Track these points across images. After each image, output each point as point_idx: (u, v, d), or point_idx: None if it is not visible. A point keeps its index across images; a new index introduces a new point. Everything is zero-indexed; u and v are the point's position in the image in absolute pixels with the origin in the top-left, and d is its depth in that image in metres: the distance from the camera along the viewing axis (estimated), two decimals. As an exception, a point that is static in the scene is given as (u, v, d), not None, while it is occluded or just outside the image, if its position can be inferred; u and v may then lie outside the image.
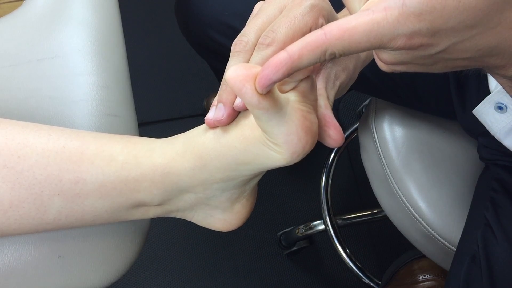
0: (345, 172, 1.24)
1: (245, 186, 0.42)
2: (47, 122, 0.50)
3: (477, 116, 0.59)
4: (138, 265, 1.11)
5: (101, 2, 0.58)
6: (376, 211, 1.06)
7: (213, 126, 0.38)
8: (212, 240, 1.15)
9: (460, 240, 0.63)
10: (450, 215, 0.69)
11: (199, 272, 1.13)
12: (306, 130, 0.35)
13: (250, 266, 1.14)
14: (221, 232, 0.46)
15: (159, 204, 0.42)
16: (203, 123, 0.40)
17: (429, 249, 0.71)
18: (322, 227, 1.07)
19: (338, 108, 1.30)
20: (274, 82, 0.30)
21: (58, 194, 0.40)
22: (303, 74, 0.34)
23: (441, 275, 0.90)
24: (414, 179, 0.70)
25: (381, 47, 0.30)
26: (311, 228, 1.09)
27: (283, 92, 0.35)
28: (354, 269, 1.05)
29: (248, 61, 0.37)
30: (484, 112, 0.57)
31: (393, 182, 0.71)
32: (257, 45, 0.37)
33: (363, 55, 0.44)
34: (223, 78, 0.38)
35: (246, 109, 0.37)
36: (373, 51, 0.34)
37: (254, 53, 0.37)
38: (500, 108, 0.55)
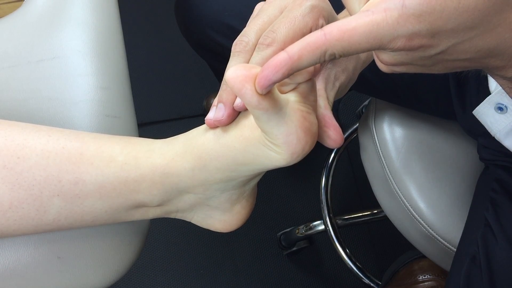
0: (345, 173, 1.24)
1: (244, 187, 0.42)
2: (46, 123, 0.50)
3: (477, 117, 0.59)
4: (137, 265, 1.11)
5: (101, 3, 0.58)
6: (376, 211, 1.06)
7: (213, 126, 0.38)
8: (212, 241, 1.15)
9: (460, 241, 0.63)
10: (450, 215, 0.69)
11: (199, 272, 1.13)
12: (305, 130, 0.35)
13: (250, 266, 1.14)
14: (220, 232, 0.46)
15: (159, 205, 0.42)
16: (203, 123, 0.40)
17: (429, 250, 0.71)
18: (322, 227, 1.07)
19: (338, 108, 1.30)
20: (274, 83, 0.30)
21: (58, 195, 0.40)
22: (303, 78, 0.34)
23: (441, 275, 0.90)
24: (414, 179, 0.70)
25: (380, 48, 0.30)
26: (311, 228, 1.09)
27: (282, 92, 0.35)
28: (354, 269, 1.05)
29: (248, 61, 0.37)
30: (484, 112, 0.57)
31: (393, 182, 0.71)
32: (257, 45, 0.37)
33: (363, 56, 0.44)
34: (223, 78, 0.38)
35: (246, 109, 0.37)
36: (373, 52, 0.34)
37: (254, 53, 0.37)
38: (500, 108, 0.55)
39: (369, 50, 0.30)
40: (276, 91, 0.34)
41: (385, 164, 0.72)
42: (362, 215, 1.07)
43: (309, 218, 1.14)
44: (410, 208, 0.70)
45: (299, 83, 0.35)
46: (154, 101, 1.26)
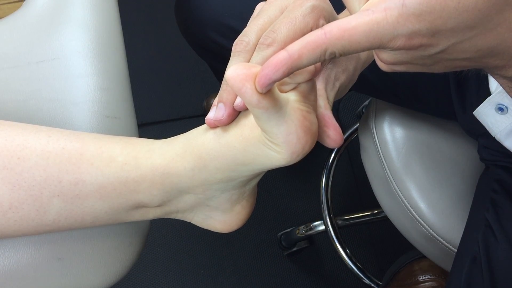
0: (345, 173, 1.24)
1: (245, 187, 0.42)
2: (46, 124, 0.50)
3: (477, 118, 0.59)
4: (138, 266, 1.11)
5: (101, 4, 0.58)
6: (376, 211, 1.06)
7: (214, 126, 0.38)
8: (212, 241, 1.15)
9: (460, 241, 0.63)
10: (450, 216, 0.69)
11: (199, 273, 1.13)
12: (305, 130, 0.35)
13: (250, 266, 1.14)
14: (221, 233, 0.46)
15: (159, 205, 0.42)
16: (203, 123, 0.40)
17: (429, 250, 0.71)
18: (322, 227, 1.07)
19: (338, 108, 1.30)
20: (274, 82, 0.30)
21: (58, 196, 0.40)
22: (303, 77, 0.34)
23: (441, 275, 0.90)
24: (414, 180, 0.70)
25: (380, 47, 0.30)
26: (311, 228, 1.08)
27: (283, 92, 0.35)
28: (354, 270, 1.05)
29: (248, 61, 0.37)
30: (485, 113, 0.57)
31: (393, 183, 0.71)
32: (257, 45, 0.37)
33: (363, 56, 0.44)
34: (223, 78, 0.38)
35: (246, 109, 0.37)
36: (373, 51, 0.34)
37: (254, 53, 0.37)
38: (501, 109, 0.55)
39: (369, 49, 0.30)
40: (276, 90, 0.34)
41: (385, 164, 0.72)
42: (363, 215, 1.07)
43: (309, 218, 1.14)
44: (411, 209, 0.70)
45: (300, 83, 0.35)
46: (154, 102, 1.26)
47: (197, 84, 1.28)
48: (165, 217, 0.45)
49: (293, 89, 0.35)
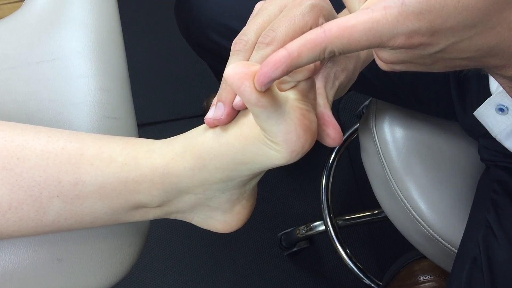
0: (346, 173, 1.24)
1: (245, 187, 0.42)
2: (46, 124, 0.50)
3: (478, 118, 0.59)
4: (138, 266, 1.11)
5: (101, 4, 0.58)
6: (376, 211, 1.05)
7: (213, 126, 0.38)
8: (212, 241, 1.15)
9: (461, 242, 0.63)
10: (450, 216, 0.68)
11: (199, 273, 1.13)
12: (305, 128, 0.35)
13: (251, 267, 1.14)
14: (221, 233, 0.46)
15: (159, 206, 0.42)
16: (203, 123, 0.40)
17: (429, 250, 0.71)
18: (322, 227, 1.07)
19: (338, 108, 1.29)
20: (273, 80, 0.30)
21: (58, 196, 0.40)
22: (303, 76, 0.34)
23: (441, 275, 0.90)
24: (414, 180, 0.70)
25: (380, 45, 0.30)
26: (311, 228, 1.08)
27: (282, 90, 0.35)
28: (354, 270, 1.05)
29: (248, 60, 0.37)
30: (485, 114, 0.57)
31: (394, 183, 0.71)
32: (257, 44, 0.37)
33: (363, 55, 0.44)
34: (223, 77, 0.38)
35: (246, 108, 0.37)
36: (373, 50, 0.34)
37: (254, 52, 0.37)
38: (501, 110, 0.55)
39: (368, 47, 0.30)
40: (275, 88, 0.34)
41: (385, 164, 0.72)
42: (363, 215, 1.07)
43: (309, 218, 1.14)
44: (411, 209, 0.70)
45: (299, 81, 0.35)
46: (154, 102, 1.26)
47: (197, 84, 1.28)
48: (165, 217, 0.45)
49: (293, 87, 0.35)
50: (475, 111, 0.58)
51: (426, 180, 0.70)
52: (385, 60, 0.33)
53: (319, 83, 0.40)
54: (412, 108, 0.73)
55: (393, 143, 0.72)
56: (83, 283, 0.48)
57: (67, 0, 0.57)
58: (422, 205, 0.69)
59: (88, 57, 0.55)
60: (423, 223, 0.69)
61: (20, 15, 0.56)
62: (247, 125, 0.36)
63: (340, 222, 1.05)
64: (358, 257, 1.07)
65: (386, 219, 0.77)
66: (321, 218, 1.07)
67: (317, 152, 1.25)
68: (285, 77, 0.34)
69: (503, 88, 0.37)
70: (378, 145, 0.74)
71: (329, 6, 0.38)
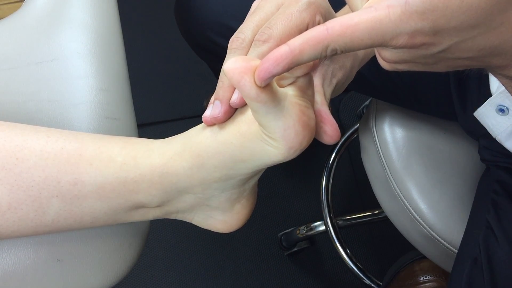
0: (346, 173, 1.24)
1: (244, 186, 0.42)
2: (46, 125, 0.50)
3: (478, 119, 0.58)
4: (137, 267, 1.11)
5: (100, 4, 0.58)
6: (376, 211, 1.05)
7: (211, 124, 0.38)
8: (212, 241, 1.15)
9: (461, 243, 0.62)
10: (451, 216, 0.68)
11: (200, 273, 1.13)
12: (303, 125, 0.34)
13: (251, 267, 1.14)
14: (221, 233, 0.46)
15: (158, 206, 0.42)
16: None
17: (430, 251, 0.71)
18: (322, 228, 1.07)
19: (338, 108, 1.29)
20: (274, 76, 0.30)
21: (57, 196, 0.40)
22: (302, 71, 0.34)
23: (442, 276, 0.90)
24: (414, 180, 0.70)
25: (383, 45, 0.30)
26: (311, 229, 1.08)
27: (281, 86, 0.35)
28: (355, 270, 1.05)
29: None
30: (486, 114, 0.57)
31: (394, 183, 0.71)
32: (253, 41, 0.36)
33: (361, 54, 0.44)
34: (220, 75, 0.38)
35: (243, 106, 0.37)
36: (375, 49, 0.34)
37: (250, 49, 0.37)
38: (502, 110, 0.55)
39: (371, 46, 0.30)
40: (275, 84, 0.34)
41: (385, 165, 0.72)
42: (363, 215, 1.07)
43: (310, 218, 1.14)
44: (411, 209, 0.69)
45: (298, 77, 0.35)
46: (154, 102, 1.26)
47: (197, 84, 1.28)
48: (165, 217, 0.45)
49: (292, 83, 0.35)
50: (475, 112, 0.58)
51: (426, 180, 0.70)
52: (387, 59, 0.33)
53: (316, 81, 0.40)
54: (412, 108, 0.73)
55: (393, 143, 0.72)
56: (83, 283, 0.48)
57: (67, 0, 0.57)
58: (422, 205, 0.69)
59: (88, 57, 0.54)
60: (423, 223, 0.69)
61: (20, 15, 0.56)
62: (244, 122, 0.36)
63: (340, 222, 1.05)
64: (358, 257, 1.07)
65: (386, 219, 0.77)
66: (321, 218, 1.07)
67: (317, 152, 1.25)
68: (284, 73, 0.34)
69: (505, 88, 0.37)
70: (378, 145, 0.73)
71: (326, 3, 0.38)
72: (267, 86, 0.32)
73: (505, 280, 0.54)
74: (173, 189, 0.41)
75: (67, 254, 0.47)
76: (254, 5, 0.40)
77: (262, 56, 0.35)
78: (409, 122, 0.73)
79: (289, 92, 0.35)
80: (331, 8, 0.39)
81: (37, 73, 0.53)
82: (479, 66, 0.33)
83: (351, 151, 1.25)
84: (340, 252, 1.04)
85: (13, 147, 0.40)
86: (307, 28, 0.36)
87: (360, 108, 1.26)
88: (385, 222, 0.85)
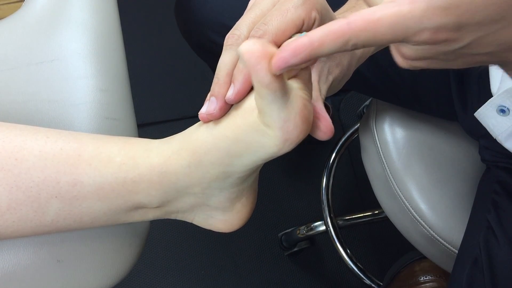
0: (346, 173, 1.24)
1: (243, 184, 0.42)
2: (46, 125, 0.50)
3: (478, 119, 0.58)
4: (138, 267, 1.10)
5: (100, 5, 0.57)
6: (377, 211, 1.05)
7: (207, 120, 0.38)
8: (212, 242, 1.15)
9: (461, 243, 0.62)
10: (451, 217, 0.68)
11: (200, 273, 1.13)
12: (303, 118, 0.34)
13: (251, 267, 1.14)
14: (221, 233, 0.46)
15: (158, 206, 0.42)
16: (200, 121, 0.40)
17: (430, 251, 0.71)
18: (323, 228, 1.07)
19: (339, 108, 1.29)
20: (290, 66, 0.30)
21: (56, 197, 0.40)
22: (306, 63, 0.34)
23: (442, 276, 0.90)
24: (415, 180, 0.70)
25: (404, 40, 0.29)
26: (312, 229, 1.08)
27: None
28: (355, 270, 1.05)
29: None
30: (486, 114, 0.57)
31: (394, 183, 0.71)
32: (249, 37, 0.36)
33: (358, 52, 0.44)
34: (216, 72, 0.38)
35: (237, 102, 0.37)
36: (392, 45, 0.33)
37: None
38: (503, 111, 0.55)
39: (392, 42, 0.29)
40: (285, 75, 0.33)
41: (386, 165, 0.72)
42: (363, 215, 1.07)
43: (310, 218, 1.14)
44: (411, 209, 0.69)
45: (301, 70, 0.35)
46: (154, 102, 1.26)
47: (197, 84, 1.28)
48: (165, 217, 0.45)
49: (296, 76, 0.35)
50: (476, 112, 0.58)
51: (426, 181, 0.70)
52: (407, 56, 0.32)
53: (312, 77, 0.40)
54: (412, 108, 0.73)
55: (393, 143, 0.72)
56: (83, 284, 0.48)
57: (67, 0, 0.57)
58: (423, 206, 0.69)
59: (88, 58, 0.54)
60: (423, 223, 0.69)
61: (20, 15, 0.56)
62: (239, 115, 0.36)
63: (340, 222, 1.05)
64: (359, 257, 1.07)
65: (386, 219, 0.77)
66: (321, 218, 1.07)
67: (317, 151, 1.25)
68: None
69: None
70: (379, 145, 0.73)
71: (323, 0, 0.38)
72: (279, 75, 0.31)
73: (506, 281, 0.54)
74: (172, 188, 0.41)
75: (67, 255, 0.47)
76: (251, 2, 0.40)
77: None
78: (410, 122, 0.73)
79: (294, 85, 0.35)
80: (327, 5, 0.38)
81: (37, 73, 0.53)
82: (496, 62, 0.33)
83: (351, 151, 1.25)
84: (340, 252, 1.04)
85: (12, 148, 0.40)
86: (303, 24, 0.36)
87: (360, 108, 1.25)
88: (386, 222, 0.85)
